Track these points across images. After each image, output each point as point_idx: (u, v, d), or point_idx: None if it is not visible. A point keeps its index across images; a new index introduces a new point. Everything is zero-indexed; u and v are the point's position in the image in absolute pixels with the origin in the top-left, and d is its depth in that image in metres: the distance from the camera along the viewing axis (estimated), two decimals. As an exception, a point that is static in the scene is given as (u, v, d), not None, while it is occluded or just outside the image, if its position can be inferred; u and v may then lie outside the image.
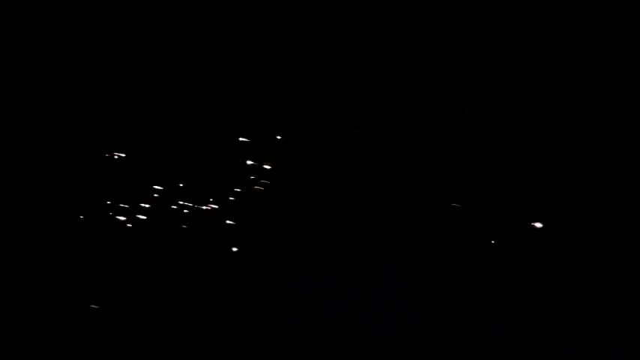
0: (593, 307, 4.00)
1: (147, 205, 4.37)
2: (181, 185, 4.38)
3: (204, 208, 4.35)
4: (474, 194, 4.20)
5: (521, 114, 4.25)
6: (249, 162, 4.37)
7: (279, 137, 4.38)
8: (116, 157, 4.42)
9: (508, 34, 4.30)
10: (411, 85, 4.33)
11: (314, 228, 4.28)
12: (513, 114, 4.26)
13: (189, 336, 4.19)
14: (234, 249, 4.30)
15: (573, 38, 4.27)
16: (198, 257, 4.31)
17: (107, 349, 4.18)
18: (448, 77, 4.31)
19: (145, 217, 4.35)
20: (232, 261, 4.30)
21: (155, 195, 4.38)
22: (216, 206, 4.36)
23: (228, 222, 4.33)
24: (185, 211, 4.35)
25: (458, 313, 4.07)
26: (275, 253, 4.28)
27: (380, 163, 4.30)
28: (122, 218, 4.36)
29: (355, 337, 4.09)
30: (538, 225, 4.13)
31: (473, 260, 4.13)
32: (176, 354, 4.16)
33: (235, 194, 4.35)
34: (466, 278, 4.12)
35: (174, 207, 4.36)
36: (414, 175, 4.26)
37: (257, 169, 4.36)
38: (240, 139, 4.40)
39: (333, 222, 4.28)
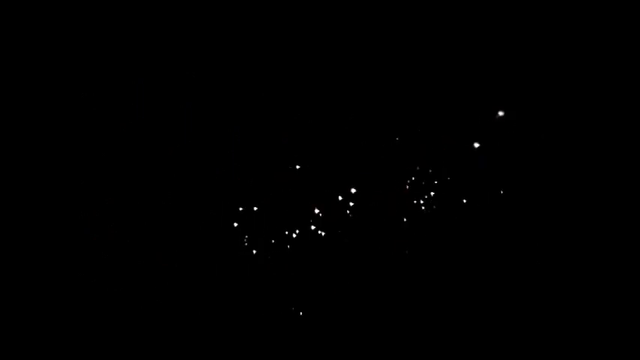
0: (593, 307, 4.00)
1: (147, 206, 4.37)
2: (181, 185, 4.39)
3: (204, 207, 4.36)
4: (474, 194, 4.20)
5: (521, 114, 4.26)
6: (248, 162, 4.38)
7: (279, 137, 4.38)
8: (115, 157, 4.43)
9: (508, 33, 4.31)
10: (411, 85, 4.33)
11: (313, 227, 4.28)
12: (514, 114, 4.26)
13: (189, 336, 4.19)
14: (234, 248, 4.31)
15: (573, 38, 4.27)
16: (198, 257, 4.31)
17: (107, 349, 4.18)
18: (448, 77, 4.32)
19: (145, 218, 4.35)
20: (232, 261, 4.30)
21: (155, 195, 4.38)
22: (216, 206, 4.36)
23: (227, 222, 4.33)
24: (186, 210, 4.36)
25: (458, 313, 4.07)
26: (275, 253, 4.28)
27: (379, 163, 4.30)
28: (123, 219, 4.37)
29: (355, 334, 4.09)
30: (536, 224, 4.13)
31: (473, 260, 4.13)
32: (176, 354, 4.16)
33: (235, 194, 4.36)
34: (466, 278, 4.12)
35: (175, 207, 4.36)
36: (413, 174, 4.26)
37: (257, 168, 4.37)
38: (240, 139, 4.40)
39: (333, 221, 4.28)
